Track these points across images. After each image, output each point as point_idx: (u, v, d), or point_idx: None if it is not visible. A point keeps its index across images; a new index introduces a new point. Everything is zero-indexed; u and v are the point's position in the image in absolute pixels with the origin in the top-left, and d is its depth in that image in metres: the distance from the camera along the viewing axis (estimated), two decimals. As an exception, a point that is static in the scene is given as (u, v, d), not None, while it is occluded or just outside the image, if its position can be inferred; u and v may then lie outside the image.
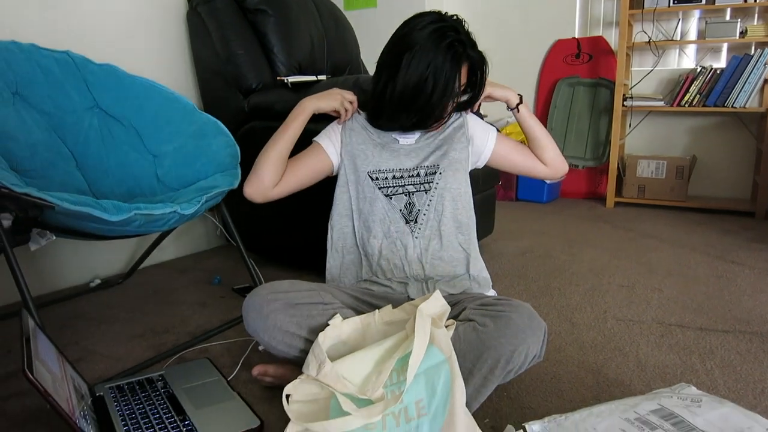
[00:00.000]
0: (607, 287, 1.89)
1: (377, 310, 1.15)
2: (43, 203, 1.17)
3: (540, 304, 1.75)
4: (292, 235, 2.06)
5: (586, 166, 3.46)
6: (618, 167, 3.23)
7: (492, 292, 1.38)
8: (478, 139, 1.41)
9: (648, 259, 2.21)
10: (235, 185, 1.60)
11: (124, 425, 1.08)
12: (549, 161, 1.47)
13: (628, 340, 1.48)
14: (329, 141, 1.40)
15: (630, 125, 3.38)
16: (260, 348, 1.30)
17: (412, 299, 1.25)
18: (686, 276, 1.99)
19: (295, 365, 1.17)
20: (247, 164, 1.71)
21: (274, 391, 1.23)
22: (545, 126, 3.52)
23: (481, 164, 1.46)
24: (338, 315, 1.15)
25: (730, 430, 0.91)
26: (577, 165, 3.47)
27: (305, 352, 1.11)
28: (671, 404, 1.00)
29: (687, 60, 3.27)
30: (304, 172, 1.39)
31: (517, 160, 1.48)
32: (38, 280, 1.94)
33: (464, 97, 1.31)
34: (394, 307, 1.15)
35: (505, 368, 1.02)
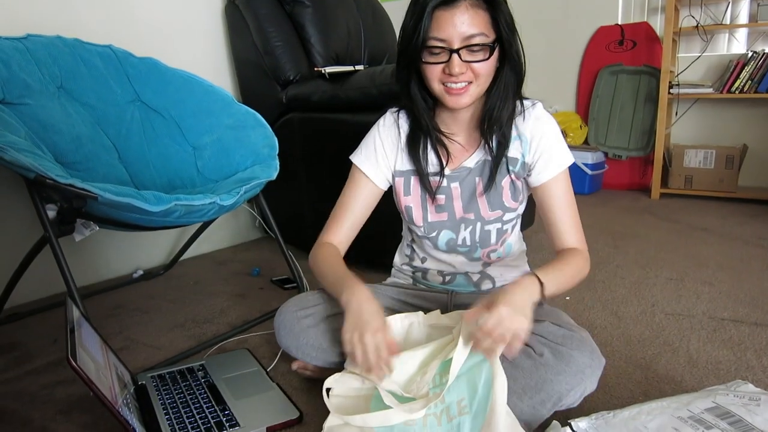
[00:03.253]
0: (654, 280, 1.82)
1: (421, 312, 1.11)
2: (87, 194, 1.18)
3: (584, 297, 1.69)
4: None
5: (629, 156, 3.36)
6: (664, 157, 3.12)
7: (525, 268, 1.31)
8: (537, 154, 1.11)
9: (697, 251, 2.12)
10: (273, 176, 1.60)
11: (165, 414, 1.09)
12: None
13: (678, 335, 1.42)
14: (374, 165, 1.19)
15: (676, 113, 3.26)
16: (293, 367, 1.25)
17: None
18: (738, 269, 1.90)
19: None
20: (284, 155, 1.71)
21: (314, 383, 1.22)
22: (587, 116, 3.44)
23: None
24: None
25: (793, 431, 0.86)
26: (620, 155, 3.37)
27: (340, 364, 1.10)
28: (727, 402, 0.95)
29: (737, 45, 3.13)
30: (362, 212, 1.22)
31: (551, 217, 1.12)
32: (82, 271, 1.98)
33: (476, 52, 0.98)
34: (441, 311, 1.12)
35: (557, 404, 0.97)
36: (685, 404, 0.96)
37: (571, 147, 3.34)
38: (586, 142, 3.47)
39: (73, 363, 0.87)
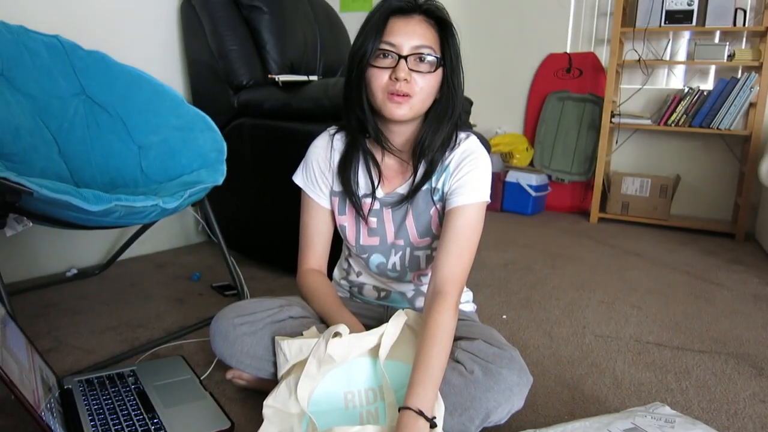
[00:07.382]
0: (587, 302, 1.90)
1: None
2: (21, 189, 1.14)
3: (520, 316, 1.75)
4: (273, 234, 2.04)
5: (571, 180, 3.48)
6: (603, 183, 3.25)
7: (471, 307, 1.36)
8: (455, 183, 1.11)
9: (629, 276, 2.22)
10: (220, 181, 1.59)
11: (91, 420, 1.05)
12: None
13: (605, 357, 1.48)
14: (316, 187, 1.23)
15: (617, 142, 3.40)
16: (228, 376, 1.22)
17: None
18: (665, 294, 2.00)
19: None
20: (232, 160, 1.69)
21: (248, 393, 1.21)
22: (534, 139, 3.55)
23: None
24: (314, 327, 1.13)
25: (702, 452, 0.91)
26: (563, 179, 3.49)
27: (275, 375, 1.09)
28: (645, 423, 1.00)
29: (675, 80, 3.30)
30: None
31: (440, 244, 1.08)
32: (12, 266, 1.90)
33: (423, 63, 1.02)
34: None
35: (485, 420, 0.99)
36: (605, 425, 1.00)
37: (517, 168, 3.43)
38: (531, 164, 3.58)
39: (-5, 365, 0.84)
